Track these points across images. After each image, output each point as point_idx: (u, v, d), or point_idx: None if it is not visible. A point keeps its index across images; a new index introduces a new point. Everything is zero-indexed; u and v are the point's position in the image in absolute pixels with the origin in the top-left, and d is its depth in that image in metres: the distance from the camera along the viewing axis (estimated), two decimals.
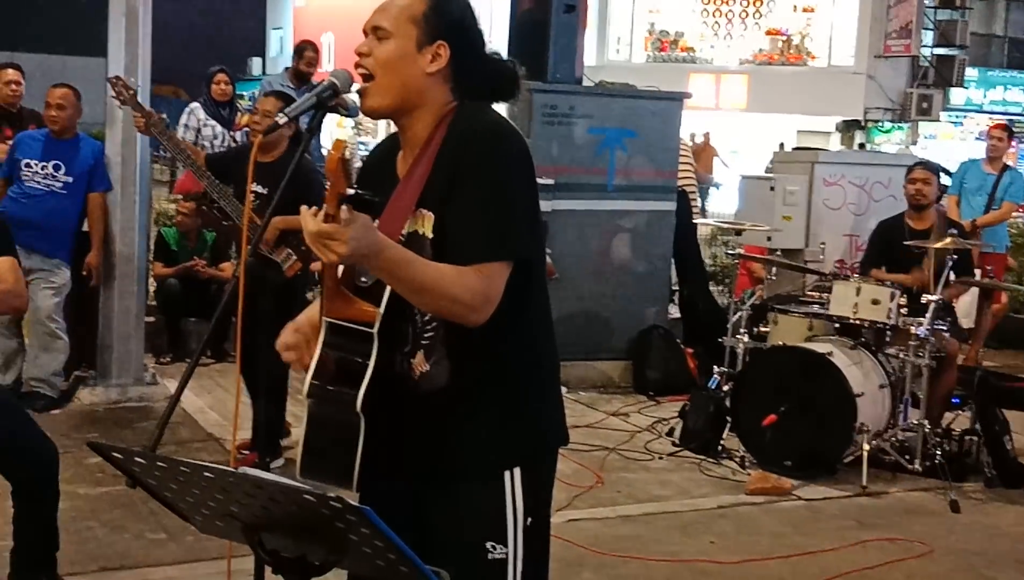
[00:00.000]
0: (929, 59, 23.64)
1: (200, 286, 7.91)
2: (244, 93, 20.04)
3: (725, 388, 6.56)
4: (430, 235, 2.25)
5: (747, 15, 24.63)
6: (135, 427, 6.30)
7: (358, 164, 2.50)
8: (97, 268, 6.67)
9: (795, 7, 24.31)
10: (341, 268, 2.19)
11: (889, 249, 6.76)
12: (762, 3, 24.44)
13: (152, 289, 7.94)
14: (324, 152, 8.93)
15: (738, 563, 4.78)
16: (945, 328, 6.32)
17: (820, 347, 6.11)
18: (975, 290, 7.63)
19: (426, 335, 2.31)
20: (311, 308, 2.38)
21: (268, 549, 1.90)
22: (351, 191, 2.00)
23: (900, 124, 24.43)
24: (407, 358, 2.33)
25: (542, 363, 2.42)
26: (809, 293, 6.94)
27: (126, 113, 6.10)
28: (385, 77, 2.29)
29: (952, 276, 6.31)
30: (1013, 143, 9.70)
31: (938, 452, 5.92)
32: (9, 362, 6.58)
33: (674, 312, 8.64)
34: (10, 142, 6.88)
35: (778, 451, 5.96)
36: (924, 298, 6.08)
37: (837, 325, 6.33)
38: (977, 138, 23.54)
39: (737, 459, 6.12)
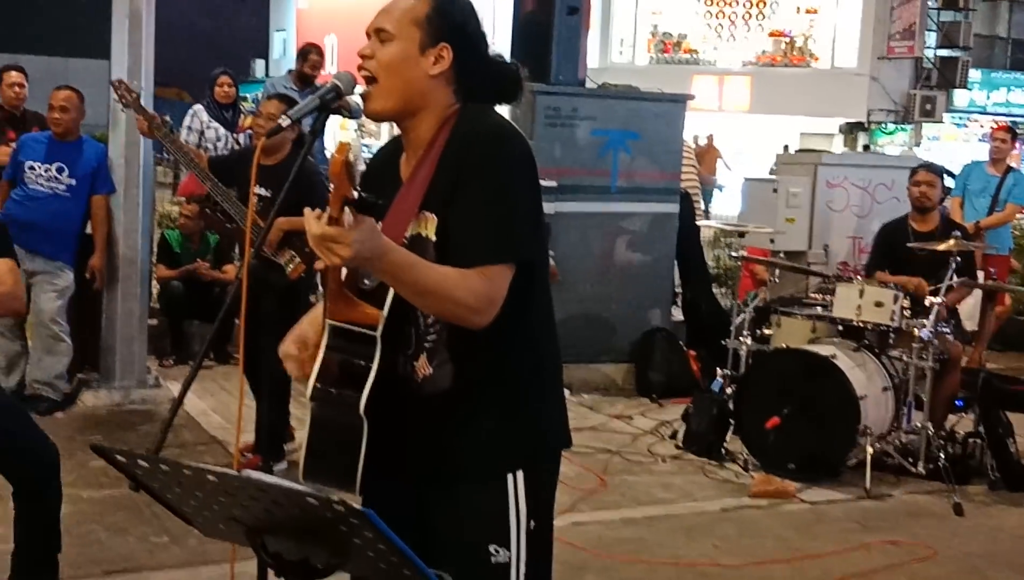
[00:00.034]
0: (932, 61, 23.64)
1: (203, 288, 7.91)
2: (247, 95, 20.08)
3: (728, 391, 6.55)
4: (433, 238, 2.25)
5: (750, 17, 24.64)
6: (138, 430, 6.30)
7: (362, 167, 2.49)
8: (100, 271, 6.67)
9: (798, 8, 24.32)
10: (344, 271, 2.19)
11: (893, 252, 6.75)
12: (765, 4, 24.45)
13: (155, 291, 7.95)
14: (328, 154, 8.94)
15: (741, 566, 4.78)
16: (948, 330, 6.32)
17: (823, 349, 6.10)
18: (978, 292, 7.62)
19: (429, 338, 2.31)
20: (313, 312, 2.37)
21: (271, 552, 1.90)
22: (355, 194, 2.00)
23: (903, 126, 24.43)
24: (410, 361, 2.33)
25: (545, 365, 2.42)
26: (812, 295, 6.93)
27: (129, 116, 6.11)
28: (388, 80, 2.29)
29: (955, 280, 6.30)
30: (1017, 145, 9.68)
31: (942, 455, 5.91)
32: (12, 365, 6.58)
33: (677, 314, 8.64)
34: (13, 144, 6.89)
35: (781, 454, 5.95)
36: (927, 301, 6.07)
37: (840, 327, 6.32)
38: (980, 140, 23.53)
39: (740, 462, 6.11)
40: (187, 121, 8.61)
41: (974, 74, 24.70)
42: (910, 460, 6.01)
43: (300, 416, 5.67)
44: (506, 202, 2.22)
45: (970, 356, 7.10)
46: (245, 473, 1.82)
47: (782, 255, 7.91)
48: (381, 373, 2.21)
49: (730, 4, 24.66)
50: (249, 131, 8.30)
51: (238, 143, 8.44)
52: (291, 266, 5.38)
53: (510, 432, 2.33)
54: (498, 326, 2.21)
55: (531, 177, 2.30)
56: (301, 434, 2.36)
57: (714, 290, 9.27)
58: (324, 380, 2.25)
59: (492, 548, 2.29)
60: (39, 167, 6.51)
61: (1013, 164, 9.45)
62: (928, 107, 23.20)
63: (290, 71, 9.28)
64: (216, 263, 8.08)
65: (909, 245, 6.54)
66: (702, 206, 10.27)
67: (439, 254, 2.23)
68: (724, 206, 20.67)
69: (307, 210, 2.03)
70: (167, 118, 5.77)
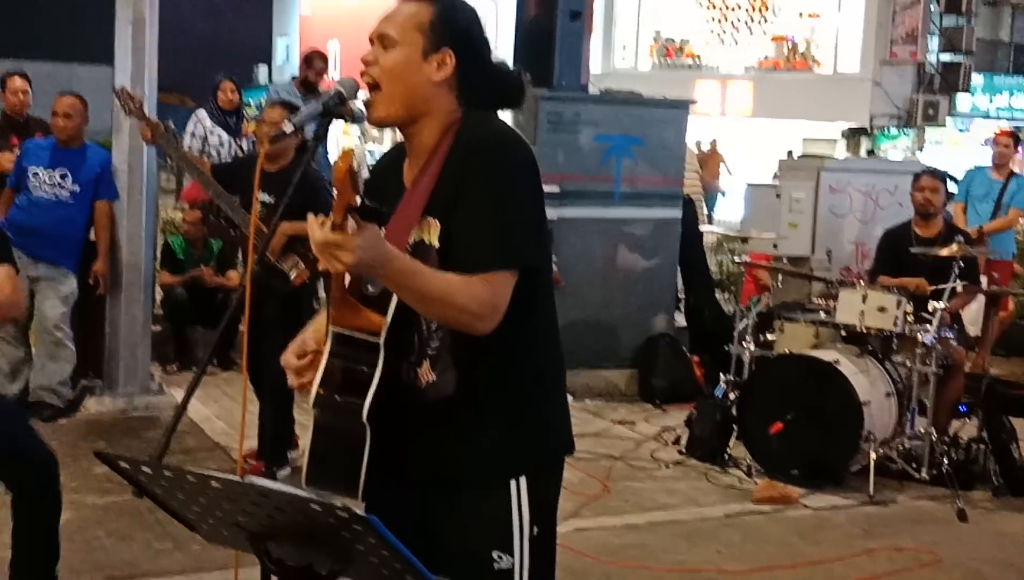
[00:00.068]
0: (935, 65, 23.65)
1: (206, 295, 7.92)
2: (250, 101, 20.06)
3: (731, 396, 6.54)
4: (436, 244, 2.25)
5: (752, 22, 24.68)
6: (142, 436, 6.30)
7: (366, 174, 2.50)
8: (104, 277, 6.67)
9: (801, 14, 24.35)
10: (348, 277, 2.20)
11: (896, 257, 6.74)
12: (768, 10, 24.48)
13: (158, 298, 7.95)
14: (331, 160, 8.95)
15: (745, 572, 4.78)
16: (952, 336, 6.31)
17: (826, 355, 6.09)
18: (982, 297, 7.62)
19: (432, 344, 2.31)
20: (317, 321, 2.37)
21: (274, 558, 1.90)
22: (358, 201, 2.00)
23: (906, 130, 24.43)
24: (413, 367, 2.33)
25: (548, 371, 2.42)
26: (815, 301, 6.92)
27: (133, 122, 6.12)
28: (391, 86, 2.29)
29: (959, 285, 6.30)
30: (1020, 149, 9.67)
31: (945, 460, 5.90)
32: (16, 371, 6.59)
33: (680, 320, 8.63)
34: (17, 151, 6.90)
35: (785, 459, 5.94)
36: (931, 306, 6.07)
37: (843, 333, 6.32)
38: (983, 144, 23.51)
39: (744, 467, 6.11)
40: (190, 127, 8.62)
41: (977, 79, 24.70)
42: (914, 466, 6.01)
43: (304, 422, 5.68)
44: (509, 208, 2.22)
45: (973, 361, 7.10)
46: (248, 479, 1.82)
47: (785, 260, 7.90)
48: (384, 379, 2.21)
49: (732, 9, 24.69)
50: (252, 137, 8.32)
51: (241, 149, 8.45)
52: (295, 272, 5.38)
53: (513, 438, 2.33)
54: (501, 332, 2.21)
55: (534, 183, 2.30)
56: (305, 441, 2.36)
57: (717, 295, 9.27)
58: (327, 386, 2.25)
59: (495, 554, 2.29)
60: (43, 173, 6.51)
61: (1016, 169, 9.45)
62: (931, 112, 23.20)
63: (294, 77, 9.29)
64: (219, 269, 8.09)
65: (912, 250, 6.54)
66: (705, 212, 10.28)
67: (442, 260, 2.23)
68: (727, 211, 20.68)
69: (310, 216, 2.03)
70: (170, 124, 5.77)
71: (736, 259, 8.38)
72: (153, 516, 4.74)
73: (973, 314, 8.05)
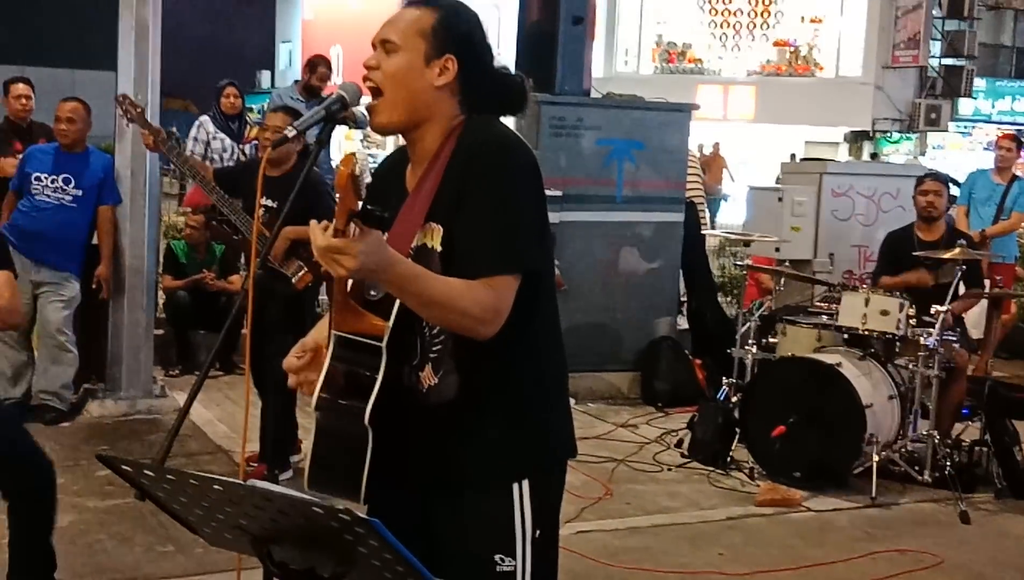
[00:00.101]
0: (937, 69, 23.64)
1: (209, 298, 7.93)
2: (253, 106, 20.11)
3: (734, 399, 6.55)
4: (439, 248, 2.25)
5: (755, 26, 24.66)
6: (144, 439, 6.31)
7: (368, 179, 2.50)
8: (107, 281, 6.68)
9: (803, 18, 24.34)
10: (350, 282, 2.20)
11: (898, 260, 6.75)
12: (770, 14, 24.47)
13: (161, 301, 7.96)
14: (333, 165, 8.96)
15: (747, 575, 4.77)
16: (954, 339, 6.31)
17: (829, 358, 6.10)
18: (984, 300, 7.62)
19: (434, 348, 2.31)
20: (320, 326, 2.38)
21: (277, 561, 1.90)
22: (360, 207, 2.00)
23: (908, 135, 24.42)
24: (415, 371, 2.33)
25: (550, 374, 2.43)
26: (818, 304, 6.93)
27: (135, 128, 6.13)
28: (393, 91, 2.30)
29: (962, 288, 6.30)
30: (1022, 153, 9.67)
31: (948, 463, 5.90)
32: (19, 375, 6.60)
33: (682, 323, 8.64)
34: (20, 156, 6.91)
35: (787, 462, 5.94)
36: (933, 309, 6.07)
37: (846, 336, 6.32)
38: (985, 148, 23.51)
39: (746, 470, 6.11)
40: (193, 132, 8.64)
41: (979, 83, 24.68)
42: (916, 468, 6.01)
43: (307, 426, 5.68)
44: (511, 212, 2.23)
45: (976, 364, 7.10)
46: (250, 482, 1.82)
47: (787, 264, 7.90)
48: (386, 383, 2.21)
49: (735, 14, 24.68)
50: (255, 142, 8.32)
51: (244, 154, 8.46)
52: (298, 276, 5.39)
53: (516, 441, 2.33)
54: (504, 336, 2.22)
55: (536, 187, 2.30)
56: (308, 444, 2.36)
57: (719, 299, 9.27)
58: (330, 390, 2.25)
59: (497, 557, 2.30)
60: (45, 178, 6.53)
61: (1018, 172, 9.45)
62: (933, 116, 23.18)
63: (296, 82, 9.30)
64: (222, 273, 8.10)
65: (915, 254, 6.54)
66: (707, 215, 10.26)
67: (444, 265, 2.23)
68: (729, 215, 20.67)
69: (313, 222, 2.04)
70: (173, 130, 5.80)
71: (738, 262, 8.37)
72: (155, 519, 4.75)
73: (975, 317, 8.04)
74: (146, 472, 1.90)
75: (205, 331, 8.00)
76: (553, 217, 4.82)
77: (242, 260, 8.18)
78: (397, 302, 2.20)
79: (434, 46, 2.30)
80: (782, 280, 7.16)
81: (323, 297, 5.81)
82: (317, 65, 8.79)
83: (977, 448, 6.21)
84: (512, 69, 2.43)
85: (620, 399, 7.77)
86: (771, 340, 6.71)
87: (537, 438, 2.37)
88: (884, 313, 6.07)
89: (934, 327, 6.00)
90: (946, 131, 24.56)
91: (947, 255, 6.19)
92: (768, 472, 6.00)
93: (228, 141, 8.52)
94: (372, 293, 2.26)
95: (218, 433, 6.41)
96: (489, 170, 2.24)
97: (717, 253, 11.16)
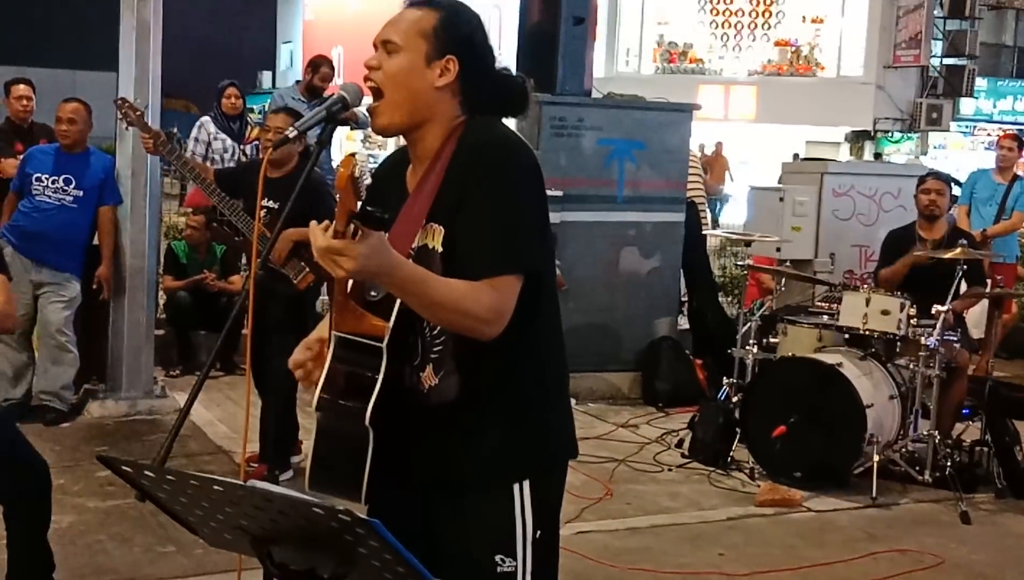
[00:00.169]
0: (938, 69, 23.64)
1: (209, 299, 7.93)
2: (254, 107, 20.11)
3: (734, 399, 6.55)
4: (440, 249, 2.25)
5: (756, 26, 24.65)
6: (144, 440, 6.31)
7: (368, 180, 2.51)
8: (107, 281, 6.68)
9: (804, 18, 24.33)
10: (350, 283, 2.20)
11: (900, 257, 6.74)
12: (771, 14, 24.46)
13: (162, 302, 7.96)
14: (334, 165, 8.96)
15: (747, 575, 4.77)
16: (955, 338, 6.31)
17: (830, 358, 6.09)
18: (985, 300, 7.62)
19: (435, 348, 2.31)
20: (321, 326, 2.38)
21: (277, 562, 1.90)
22: (360, 208, 2.00)
23: (909, 134, 24.42)
24: (416, 371, 2.33)
25: (551, 374, 2.43)
26: (818, 304, 6.93)
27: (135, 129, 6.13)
28: (394, 92, 2.30)
29: (964, 287, 6.30)
30: (1023, 153, 9.67)
31: (948, 463, 5.90)
32: (19, 375, 6.60)
33: (683, 323, 8.64)
34: (21, 156, 6.92)
35: (788, 462, 5.94)
36: (934, 309, 6.07)
37: (847, 336, 6.32)
38: (987, 148, 23.50)
39: (746, 470, 6.11)
40: (194, 133, 8.65)
41: (980, 82, 24.68)
42: (917, 468, 6.00)
43: (308, 426, 5.69)
44: (513, 213, 2.23)
45: (977, 364, 7.09)
46: (251, 483, 1.83)
47: (788, 264, 7.90)
48: (387, 383, 2.21)
49: (736, 14, 24.67)
50: (256, 142, 8.33)
51: (245, 154, 8.47)
52: (299, 277, 5.40)
53: (516, 442, 2.33)
54: (505, 336, 2.22)
55: (538, 187, 2.30)
56: (308, 445, 2.37)
57: (720, 299, 9.27)
58: (330, 391, 2.25)
59: (498, 558, 2.30)
60: (46, 179, 6.53)
61: (1020, 172, 9.45)
62: (934, 116, 23.18)
63: (297, 82, 9.30)
64: (223, 273, 8.10)
65: (917, 253, 6.53)
66: (708, 216, 10.26)
67: (446, 265, 2.23)
68: (730, 215, 20.67)
69: (313, 223, 2.04)
70: (174, 131, 5.80)
71: (739, 262, 8.37)
72: (155, 520, 4.75)
73: (976, 317, 8.04)
74: (146, 473, 1.90)
75: (206, 332, 8.01)
76: (554, 217, 4.82)
77: (243, 261, 8.19)
78: (398, 303, 2.20)
79: (435, 47, 2.30)
80: (783, 280, 7.16)
81: (324, 297, 5.82)
82: (320, 65, 8.79)
83: (978, 448, 6.21)
84: (513, 70, 2.44)
85: (621, 399, 7.77)
86: (772, 340, 6.71)
87: (538, 438, 2.37)
88: (885, 313, 6.06)
89: (935, 327, 6.00)
90: (947, 131, 24.56)
91: (948, 254, 6.19)
92: (769, 472, 6.00)
93: (229, 141, 8.52)
94: (372, 294, 2.26)
95: (218, 434, 6.41)
96: (491, 171, 2.24)
97: (718, 253, 11.17)
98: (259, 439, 5.65)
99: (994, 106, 26.31)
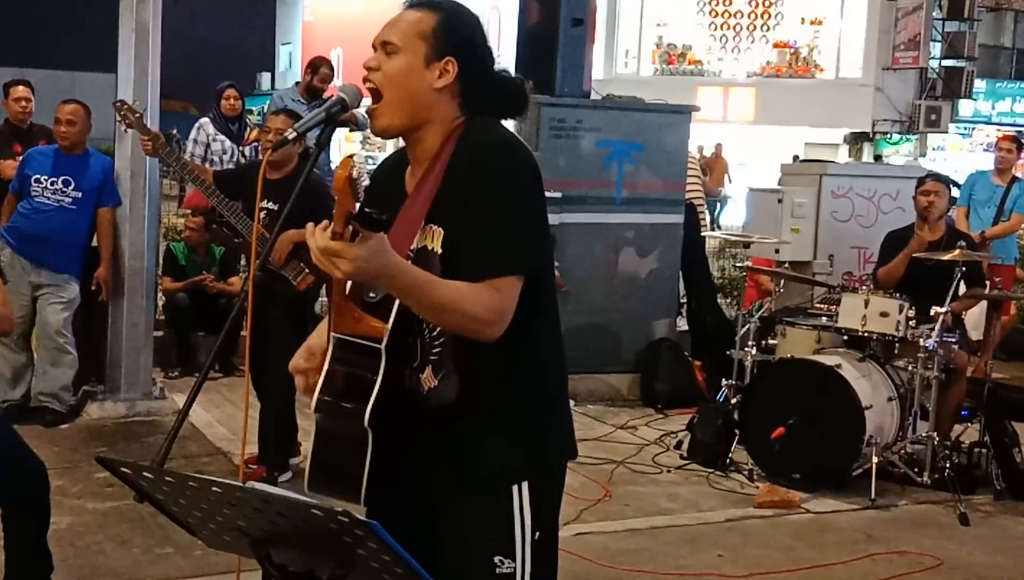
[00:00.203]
0: (937, 71, 23.65)
1: (208, 300, 7.93)
2: (253, 108, 20.12)
3: (733, 401, 6.55)
4: (439, 250, 2.25)
5: (755, 28, 24.66)
6: (143, 441, 6.31)
7: (366, 182, 2.51)
8: (106, 283, 6.68)
9: (803, 20, 24.33)
10: (349, 284, 2.20)
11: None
12: (770, 16, 24.47)
13: (161, 303, 7.96)
14: (333, 167, 8.96)
15: (746, 576, 4.77)
16: (954, 340, 6.31)
17: (828, 360, 6.10)
18: (984, 302, 7.63)
19: (434, 350, 2.31)
20: (321, 329, 2.38)
21: (276, 563, 1.90)
22: (358, 209, 2.00)
23: (908, 136, 24.43)
24: (416, 373, 2.33)
25: (550, 376, 2.43)
26: (817, 305, 6.93)
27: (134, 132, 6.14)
28: (393, 93, 2.30)
29: (963, 288, 6.31)
30: (1022, 155, 9.68)
31: (947, 464, 5.90)
32: (18, 377, 6.60)
33: (682, 325, 8.64)
34: (20, 158, 6.92)
35: (786, 464, 5.95)
36: (933, 311, 6.07)
37: (845, 337, 6.32)
38: (985, 150, 23.51)
39: (745, 472, 6.12)
40: (193, 134, 8.65)
41: (979, 84, 24.69)
42: (916, 470, 6.00)
43: (307, 428, 5.68)
44: (514, 214, 2.23)
45: (976, 366, 7.09)
46: (249, 484, 1.83)
47: (787, 265, 7.90)
48: (386, 385, 2.21)
49: (735, 16, 24.68)
50: (255, 144, 8.33)
51: (244, 156, 8.47)
52: (299, 278, 5.40)
53: (516, 444, 2.33)
54: (505, 337, 2.22)
55: (537, 189, 2.31)
56: (307, 447, 2.36)
57: (719, 300, 9.27)
58: (329, 392, 2.25)
59: (497, 559, 2.30)
60: (45, 180, 6.53)
61: (1019, 174, 9.46)
62: (933, 117, 23.19)
63: (297, 83, 9.31)
64: (221, 275, 8.10)
65: (915, 254, 6.53)
66: (707, 217, 10.27)
67: (446, 266, 2.23)
68: (729, 216, 20.67)
69: (309, 224, 2.04)
70: (174, 132, 5.79)
71: (738, 264, 8.37)
72: (154, 521, 4.75)
73: (975, 319, 8.05)
74: (145, 474, 1.90)
75: (205, 333, 8.01)
76: (553, 219, 4.82)
77: (242, 262, 8.19)
78: (396, 304, 2.20)
79: (434, 48, 2.30)
80: (782, 282, 7.17)
81: (324, 299, 5.82)
82: (319, 66, 8.80)
83: (976, 450, 6.22)
84: (512, 71, 2.44)
85: (619, 401, 7.78)
86: (770, 342, 6.71)
87: (537, 440, 2.37)
88: (884, 314, 6.07)
89: (933, 329, 6.00)
90: (946, 132, 24.56)
91: (947, 256, 6.19)
92: (767, 474, 6.01)
93: (228, 143, 8.53)
94: (371, 295, 2.26)
95: (217, 435, 6.41)
96: (491, 172, 2.24)
97: (717, 255, 11.16)
98: (258, 441, 5.65)
99: (993, 108, 26.32)
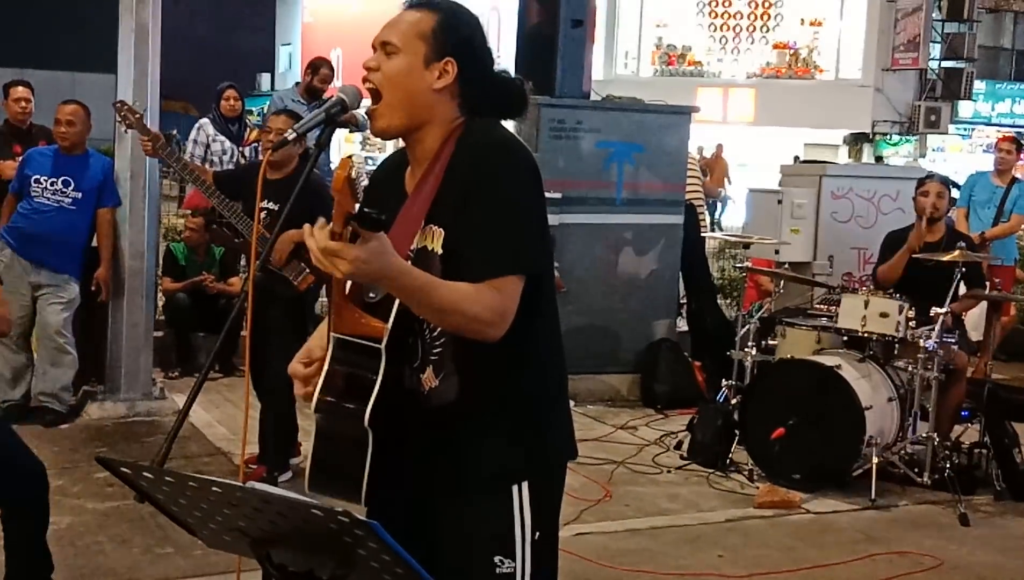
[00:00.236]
0: (937, 72, 23.66)
1: (209, 301, 7.93)
2: (253, 109, 20.12)
3: (733, 401, 6.55)
4: (440, 251, 2.25)
5: (754, 29, 24.68)
6: (143, 441, 6.31)
7: (365, 182, 2.51)
8: (106, 283, 6.68)
9: (802, 20, 24.35)
10: (349, 284, 2.20)
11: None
12: (769, 17, 24.49)
13: (161, 304, 7.97)
14: (333, 167, 8.96)
15: (746, 577, 4.77)
16: (953, 341, 6.31)
17: (828, 360, 6.10)
18: (984, 302, 7.63)
19: (435, 350, 2.31)
20: (321, 330, 2.38)
21: (276, 563, 1.90)
22: (357, 209, 2.00)
23: (908, 137, 24.44)
24: (416, 373, 2.33)
25: (551, 376, 2.43)
26: (817, 306, 6.93)
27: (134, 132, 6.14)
28: (392, 93, 2.30)
29: (963, 289, 6.31)
30: (1022, 156, 9.68)
31: (947, 465, 5.90)
32: (18, 377, 6.60)
33: (682, 325, 8.64)
34: (20, 158, 6.92)
35: (787, 464, 5.95)
36: (933, 311, 6.07)
37: (845, 338, 6.32)
38: (985, 151, 23.52)
39: (745, 472, 6.11)
40: (193, 135, 8.65)
41: (979, 85, 24.70)
42: (916, 470, 6.00)
43: (307, 428, 5.68)
44: (515, 214, 2.23)
45: (975, 366, 7.10)
46: (249, 484, 1.83)
47: (787, 266, 7.90)
48: (386, 385, 2.21)
49: (734, 16, 24.70)
50: (255, 144, 8.34)
51: (244, 156, 8.47)
52: (300, 278, 5.40)
53: (516, 444, 2.33)
54: (505, 338, 2.21)
55: (537, 189, 2.31)
56: (308, 447, 2.37)
57: (719, 301, 9.27)
58: (329, 392, 2.25)
59: (497, 559, 2.30)
60: (45, 181, 6.53)
61: (1018, 175, 9.46)
62: (933, 118, 23.20)
63: (297, 84, 9.31)
64: (221, 275, 8.10)
65: (915, 256, 6.54)
66: (707, 218, 10.27)
67: (446, 266, 2.23)
68: (729, 217, 20.68)
69: (306, 225, 2.04)
70: (174, 133, 5.80)
71: (738, 265, 8.37)
72: (154, 521, 4.75)
73: (975, 319, 8.05)
74: (145, 474, 1.90)
75: (205, 333, 8.01)
76: (553, 219, 4.81)
77: (242, 262, 8.19)
78: (396, 304, 2.20)
79: (434, 49, 2.30)
80: (781, 282, 7.17)
81: (324, 300, 5.82)
82: (319, 67, 8.80)
83: (976, 450, 6.22)
84: (512, 72, 2.44)
85: (619, 401, 7.78)
86: (770, 342, 6.71)
87: (537, 440, 2.37)
88: (884, 315, 6.06)
89: (933, 329, 6.00)
90: (946, 133, 24.58)
91: (947, 257, 6.19)
92: (767, 474, 6.00)
93: (228, 144, 8.53)
94: (371, 295, 2.26)
95: (217, 435, 6.41)
96: (491, 172, 2.24)
97: (717, 255, 11.16)
98: (258, 441, 5.65)
99: (992, 109, 26.33)
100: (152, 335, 7.03)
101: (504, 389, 2.33)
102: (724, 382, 6.84)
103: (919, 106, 23.28)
